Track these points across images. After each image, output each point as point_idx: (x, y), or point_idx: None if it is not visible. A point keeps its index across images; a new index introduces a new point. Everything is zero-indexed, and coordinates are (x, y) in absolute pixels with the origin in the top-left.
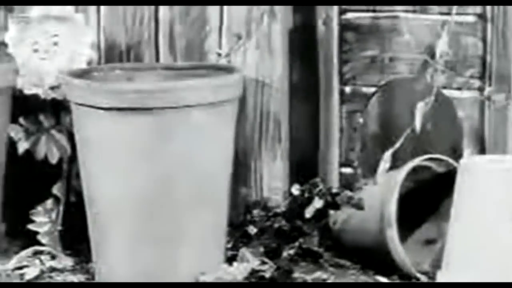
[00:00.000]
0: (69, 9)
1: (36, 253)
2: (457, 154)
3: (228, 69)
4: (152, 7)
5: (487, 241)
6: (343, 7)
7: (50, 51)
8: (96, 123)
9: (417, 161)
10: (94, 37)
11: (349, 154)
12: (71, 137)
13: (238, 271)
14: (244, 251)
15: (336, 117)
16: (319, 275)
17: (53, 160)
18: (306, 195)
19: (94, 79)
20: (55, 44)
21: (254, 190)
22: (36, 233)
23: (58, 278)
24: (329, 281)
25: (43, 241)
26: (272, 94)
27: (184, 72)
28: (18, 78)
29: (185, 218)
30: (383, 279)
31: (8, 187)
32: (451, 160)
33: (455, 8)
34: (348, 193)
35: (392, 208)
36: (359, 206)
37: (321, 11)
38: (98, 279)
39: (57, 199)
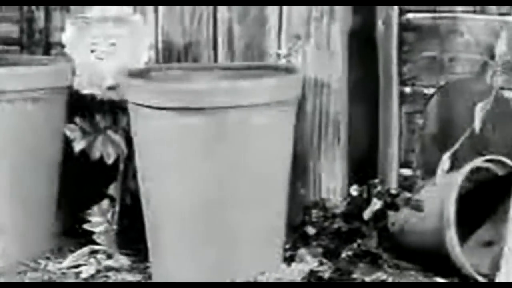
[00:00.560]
0: (127, 10)
1: (92, 252)
2: None
3: (287, 70)
4: (211, 7)
5: None
6: (404, 7)
7: (108, 52)
8: (153, 123)
9: (476, 162)
10: (152, 38)
11: (408, 155)
12: (127, 138)
13: (296, 272)
14: (303, 252)
15: (395, 118)
16: (378, 276)
17: (109, 160)
18: (365, 196)
19: (152, 79)
20: (113, 45)
21: (313, 191)
22: (90, 232)
23: (114, 277)
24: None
25: (99, 240)
26: (331, 94)
27: (242, 73)
28: (75, 78)
29: (243, 218)
30: (441, 281)
31: (63, 186)
32: (510, 162)
33: None
34: (407, 194)
35: (451, 209)
36: (418, 208)
37: (381, 11)
38: (154, 279)
39: (112, 200)
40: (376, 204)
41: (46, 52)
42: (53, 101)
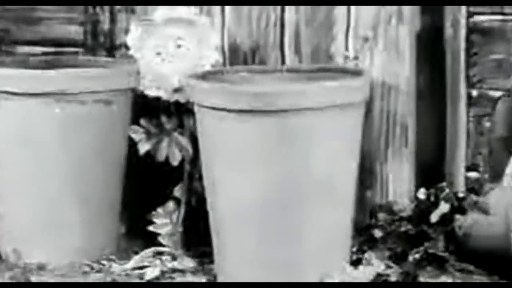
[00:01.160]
0: (193, 11)
1: (157, 254)
2: None
3: (355, 72)
4: (278, 9)
5: None
6: (471, 9)
7: (174, 54)
8: (219, 125)
9: None
10: (218, 40)
11: (476, 158)
12: (192, 139)
13: (363, 275)
14: (370, 255)
15: (463, 120)
16: (444, 279)
17: (175, 162)
18: (432, 199)
19: (218, 81)
20: (179, 46)
21: (380, 194)
22: (155, 233)
23: (179, 279)
24: None
25: (164, 242)
26: (399, 97)
27: (309, 75)
28: (140, 80)
29: (309, 220)
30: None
31: (128, 187)
32: None
33: None
34: (474, 197)
35: None
36: (485, 211)
37: (449, 13)
38: (219, 280)
39: (178, 201)
40: (444, 207)
41: (111, 54)
42: (118, 103)
